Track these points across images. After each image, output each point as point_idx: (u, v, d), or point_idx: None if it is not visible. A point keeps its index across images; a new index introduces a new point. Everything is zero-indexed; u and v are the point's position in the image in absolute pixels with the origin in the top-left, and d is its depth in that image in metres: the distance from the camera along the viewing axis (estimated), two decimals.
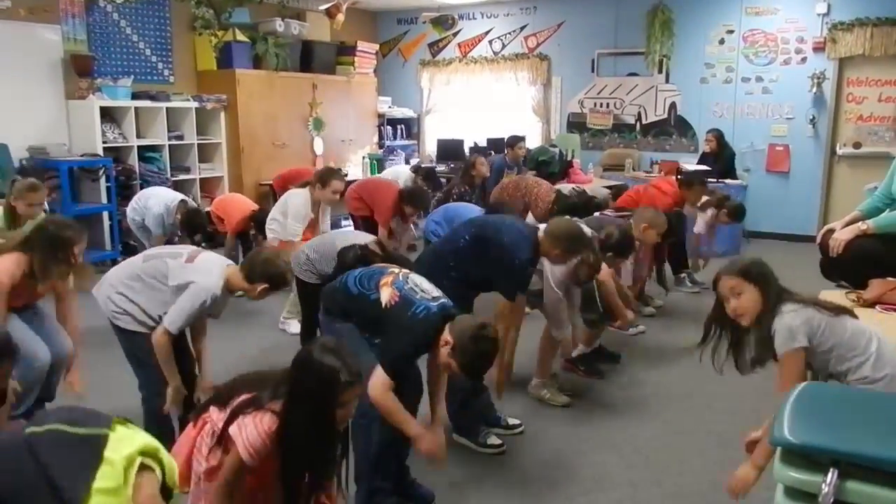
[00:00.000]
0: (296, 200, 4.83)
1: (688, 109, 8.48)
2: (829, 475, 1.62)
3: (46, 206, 4.40)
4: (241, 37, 7.75)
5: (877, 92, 7.60)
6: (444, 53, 10.04)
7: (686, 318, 5.30)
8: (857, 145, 7.68)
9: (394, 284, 2.48)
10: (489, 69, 9.70)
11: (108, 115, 6.70)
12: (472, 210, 5.15)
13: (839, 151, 7.78)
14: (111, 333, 2.95)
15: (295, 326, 4.63)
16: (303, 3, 8.90)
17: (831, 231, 3.23)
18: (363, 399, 2.47)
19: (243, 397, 1.96)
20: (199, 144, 7.43)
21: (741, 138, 8.12)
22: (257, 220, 5.51)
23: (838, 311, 2.29)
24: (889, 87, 7.51)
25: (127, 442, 1.47)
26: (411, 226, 6.24)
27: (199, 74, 7.92)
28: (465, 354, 2.29)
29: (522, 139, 7.59)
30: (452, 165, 8.95)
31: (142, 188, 6.39)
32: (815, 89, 7.73)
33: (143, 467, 1.48)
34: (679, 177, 5.11)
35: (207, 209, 6.05)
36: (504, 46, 9.64)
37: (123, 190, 6.53)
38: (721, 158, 7.62)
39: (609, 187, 7.00)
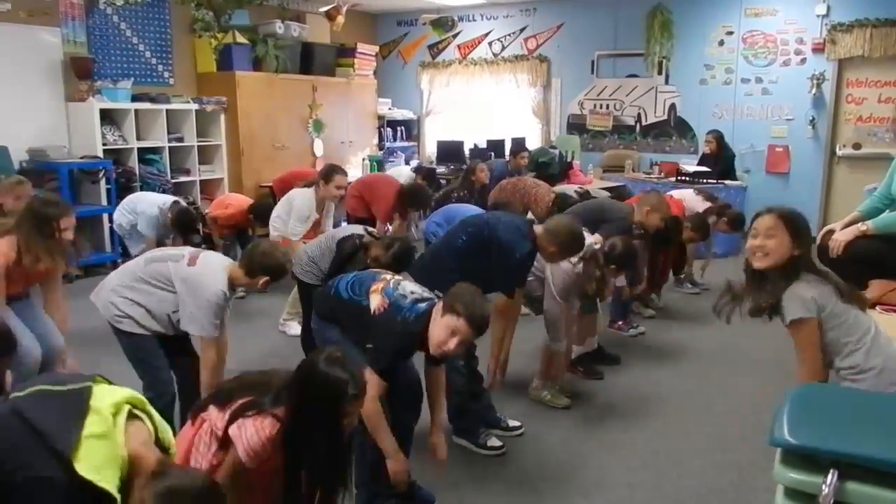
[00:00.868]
0: (300, 201, 4.84)
1: (687, 111, 8.49)
2: (829, 476, 1.62)
3: None
4: (240, 39, 7.76)
5: (876, 93, 7.60)
6: (444, 55, 10.05)
7: (686, 319, 5.30)
8: (856, 146, 7.68)
9: (384, 291, 2.48)
10: (489, 71, 9.71)
11: (108, 117, 6.70)
12: (473, 211, 5.15)
13: (839, 152, 7.79)
14: (111, 335, 2.95)
15: (295, 328, 4.63)
16: (302, 5, 8.91)
17: (831, 232, 3.22)
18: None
19: (244, 399, 1.96)
20: (199, 146, 7.43)
21: (741, 139, 8.12)
22: (256, 212, 5.51)
23: (850, 298, 2.28)
24: (888, 88, 7.52)
25: (112, 393, 1.48)
26: (412, 227, 6.24)
27: (199, 77, 7.92)
28: (469, 311, 2.28)
29: (525, 149, 7.60)
30: (452, 167, 8.96)
31: (142, 190, 6.40)
32: (814, 90, 7.74)
33: (132, 416, 1.47)
34: (688, 223, 5.09)
35: (206, 211, 6.04)
36: (504, 48, 9.64)
37: (123, 192, 6.51)
38: (721, 160, 7.62)
39: (609, 189, 7.01)
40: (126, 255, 6.55)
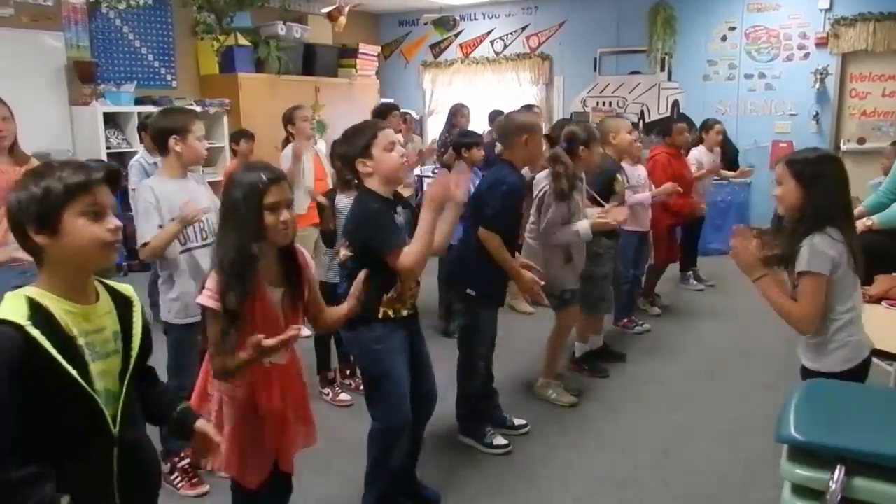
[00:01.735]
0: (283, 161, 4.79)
1: (691, 107, 8.45)
2: (836, 472, 1.62)
3: None
4: (242, 41, 7.77)
5: (880, 87, 7.57)
6: (446, 54, 10.04)
7: (691, 316, 5.29)
8: (861, 141, 7.65)
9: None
10: (491, 70, 9.69)
11: (111, 120, 6.72)
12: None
13: (843, 147, 7.75)
14: None
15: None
16: (304, 6, 8.92)
17: None
18: (383, 422, 2.50)
19: None
20: None
21: (744, 135, 8.09)
22: None
23: (860, 269, 2.24)
24: (892, 83, 7.48)
25: None
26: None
27: (202, 79, 7.93)
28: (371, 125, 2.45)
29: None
30: None
31: None
32: (818, 85, 7.71)
33: None
34: (654, 135, 5.05)
35: None
36: (506, 46, 9.63)
37: (127, 195, 6.54)
38: (724, 156, 7.60)
39: None
40: (132, 258, 6.60)
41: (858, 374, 2.20)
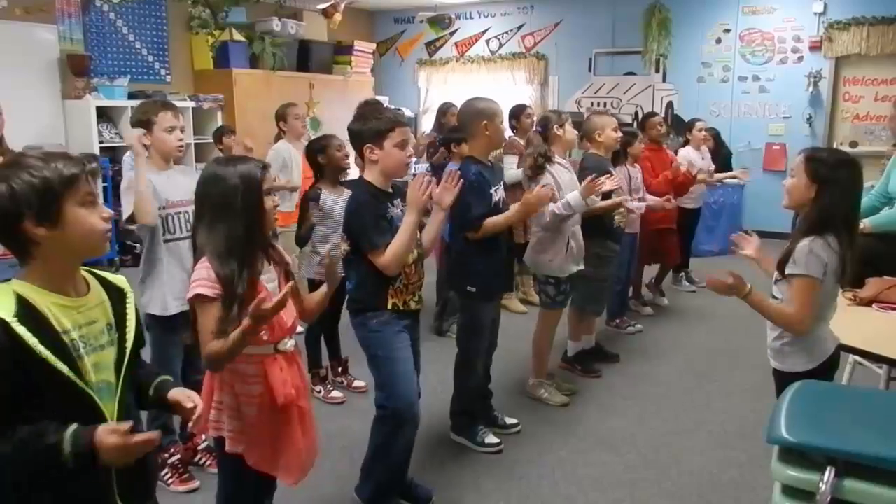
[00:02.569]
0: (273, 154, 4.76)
1: (685, 108, 8.48)
2: (827, 474, 1.63)
3: None
4: (237, 36, 7.74)
5: (873, 91, 7.61)
6: (442, 53, 10.04)
7: (684, 317, 5.31)
8: (853, 144, 7.69)
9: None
10: (486, 68, 9.70)
11: (104, 114, 6.69)
12: None
13: None
14: None
15: (299, 326, 4.61)
16: (300, 2, 8.89)
17: None
18: (391, 402, 2.52)
19: None
20: (195, 144, 7.42)
21: (738, 137, 8.13)
22: None
23: (844, 282, 2.25)
24: (885, 87, 7.53)
25: None
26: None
27: (196, 74, 7.90)
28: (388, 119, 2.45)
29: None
30: None
31: None
32: (811, 88, 7.75)
33: None
34: (632, 130, 5.01)
35: None
36: (501, 46, 9.64)
37: (119, 190, 6.52)
38: (718, 157, 7.62)
39: None
40: (123, 253, 6.57)
41: (823, 372, 2.22)
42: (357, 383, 3.89)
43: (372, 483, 2.63)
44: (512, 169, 5.02)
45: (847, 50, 7.52)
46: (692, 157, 5.71)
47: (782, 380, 2.20)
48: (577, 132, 3.78)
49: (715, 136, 7.67)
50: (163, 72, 7.65)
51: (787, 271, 2.17)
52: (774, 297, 2.29)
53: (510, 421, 3.41)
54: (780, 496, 1.74)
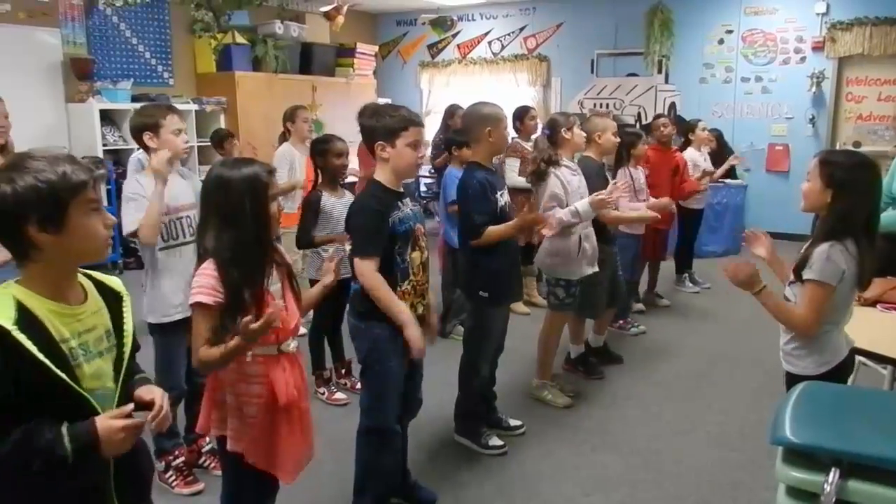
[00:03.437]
0: (277, 158, 4.77)
1: (687, 109, 8.46)
2: (831, 475, 1.62)
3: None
4: (240, 39, 7.76)
5: (876, 91, 7.60)
6: (444, 55, 10.04)
7: (687, 318, 5.30)
8: (856, 144, 7.68)
9: None
10: (488, 70, 9.70)
11: (107, 117, 6.71)
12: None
13: None
14: None
15: (302, 328, 4.61)
16: (302, 5, 8.91)
17: None
18: (373, 421, 2.52)
19: None
20: (198, 147, 7.43)
21: (741, 138, 8.12)
22: None
23: (863, 286, 2.24)
24: (888, 87, 7.52)
25: None
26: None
27: (199, 77, 7.92)
28: (402, 118, 2.44)
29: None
30: None
31: None
32: (814, 89, 7.74)
33: None
34: (636, 132, 5.01)
35: None
36: (503, 47, 9.64)
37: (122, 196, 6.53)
38: (721, 158, 7.61)
39: None
40: (127, 255, 6.58)
41: (837, 375, 2.21)
42: (360, 385, 3.89)
43: (368, 496, 2.60)
44: (513, 172, 5.02)
45: (850, 50, 7.51)
46: (695, 158, 5.71)
47: (794, 383, 2.19)
48: (585, 134, 3.76)
49: (718, 137, 7.68)
50: (166, 75, 7.66)
51: (804, 276, 2.15)
52: (787, 299, 2.28)
53: (514, 423, 3.41)
54: (785, 497, 1.73)
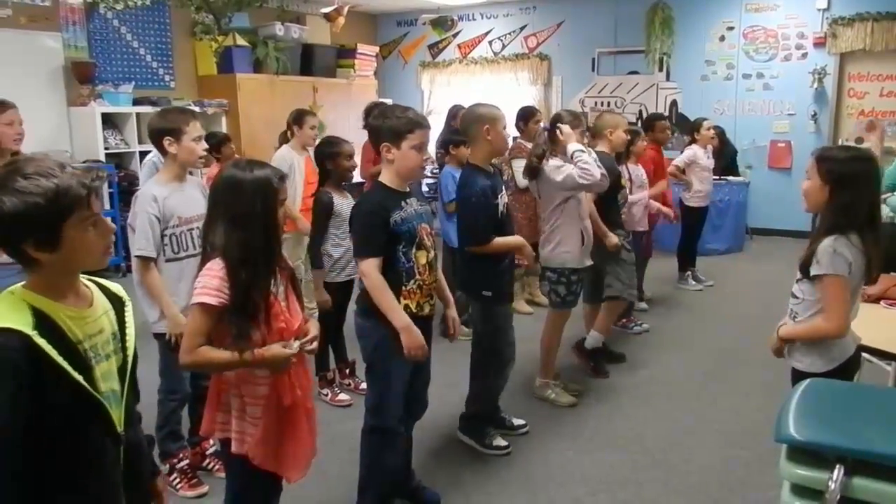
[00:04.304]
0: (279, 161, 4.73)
1: (689, 107, 8.47)
2: (836, 472, 1.62)
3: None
4: (241, 41, 7.76)
5: (878, 87, 7.58)
6: (445, 55, 10.04)
7: (690, 316, 5.29)
8: (859, 140, 7.63)
9: None
10: (489, 70, 9.70)
11: (109, 121, 6.72)
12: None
13: None
14: None
15: None
16: (302, 6, 8.92)
17: None
18: (378, 420, 2.51)
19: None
20: None
21: (743, 135, 8.11)
22: None
23: (871, 280, 2.25)
24: (890, 82, 7.50)
25: None
26: None
27: (200, 79, 7.93)
28: (407, 120, 2.45)
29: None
30: None
31: None
32: (816, 85, 7.72)
33: None
34: (635, 129, 5.06)
35: None
36: (504, 47, 9.64)
37: (125, 196, 6.54)
38: (723, 156, 7.61)
39: None
40: (130, 259, 6.58)
41: (844, 371, 2.20)
42: (364, 386, 3.88)
43: (371, 496, 2.60)
44: (521, 173, 5.02)
45: (851, 46, 7.49)
46: (699, 156, 5.71)
47: (801, 380, 2.18)
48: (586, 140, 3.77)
49: (720, 134, 7.67)
50: (167, 78, 7.68)
51: (812, 272, 2.14)
52: (795, 297, 2.28)
53: (518, 422, 3.41)
54: (790, 495, 1.73)
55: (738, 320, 5.04)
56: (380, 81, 9.71)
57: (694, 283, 6.01)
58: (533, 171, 3.56)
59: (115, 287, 1.55)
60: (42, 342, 1.27)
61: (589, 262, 3.65)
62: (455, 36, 9.91)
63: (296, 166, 4.70)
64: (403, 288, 2.43)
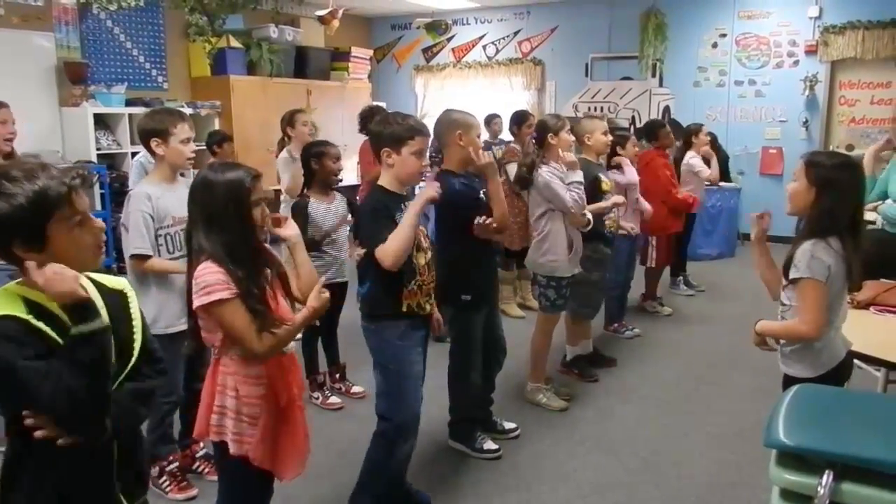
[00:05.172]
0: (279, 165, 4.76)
1: (681, 113, 8.48)
2: (825, 477, 1.63)
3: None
4: (234, 43, 7.75)
5: (869, 94, 7.64)
6: (439, 59, 10.05)
7: (681, 321, 5.31)
8: (849, 148, 7.71)
9: None
10: (483, 74, 9.72)
11: (101, 122, 6.68)
12: None
13: None
14: None
15: None
16: (297, 9, 8.91)
17: None
18: (395, 415, 2.53)
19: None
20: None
21: (735, 141, 8.14)
22: None
23: (852, 287, 2.26)
24: (881, 90, 7.56)
25: None
26: None
27: (193, 81, 7.90)
28: (409, 128, 2.48)
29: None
30: None
31: None
32: (807, 92, 7.77)
33: None
34: (622, 133, 5.04)
35: None
36: (498, 51, 9.66)
37: (117, 197, 6.50)
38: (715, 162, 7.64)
39: None
40: (121, 260, 6.56)
41: (835, 377, 2.22)
42: (355, 389, 3.89)
43: (369, 496, 2.60)
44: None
45: (843, 54, 7.54)
46: (697, 164, 5.72)
47: (792, 385, 2.19)
48: (573, 138, 3.77)
49: (712, 140, 7.70)
50: (160, 79, 7.65)
51: (790, 275, 2.17)
52: (783, 304, 2.29)
53: (509, 426, 3.41)
54: (779, 500, 1.74)
55: (729, 325, 5.06)
56: (374, 85, 9.70)
57: (685, 287, 6.03)
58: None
59: (115, 280, 1.55)
60: (40, 324, 1.32)
61: (578, 270, 3.65)
62: (449, 40, 9.92)
63: (299, 167, 4.69)
64: (405, 288, 2.47)
